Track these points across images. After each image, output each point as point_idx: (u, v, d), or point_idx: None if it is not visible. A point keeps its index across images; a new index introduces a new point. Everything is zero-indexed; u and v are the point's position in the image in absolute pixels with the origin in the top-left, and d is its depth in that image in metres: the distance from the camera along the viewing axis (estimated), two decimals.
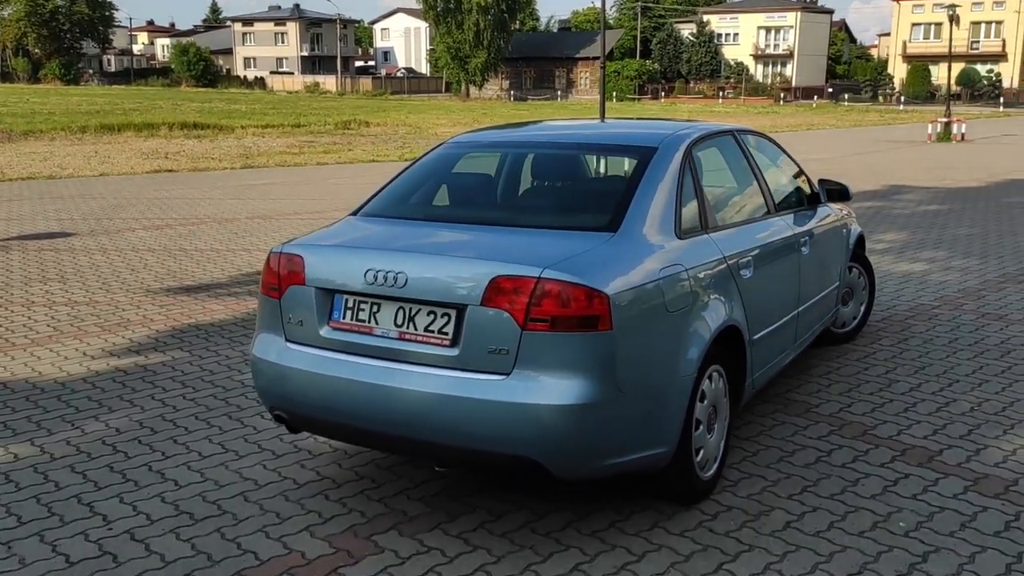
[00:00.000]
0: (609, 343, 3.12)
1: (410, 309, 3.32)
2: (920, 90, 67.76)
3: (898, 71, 73.67)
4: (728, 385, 3.87)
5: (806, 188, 5.22)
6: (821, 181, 5.38)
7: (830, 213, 5.41)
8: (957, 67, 69.34)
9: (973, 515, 3.63)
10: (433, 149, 4.51)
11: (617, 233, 3.46)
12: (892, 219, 12.05)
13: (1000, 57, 70.85)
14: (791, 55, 75.61)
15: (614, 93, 68.75)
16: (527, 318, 3.10)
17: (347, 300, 3.46)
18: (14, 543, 3.47)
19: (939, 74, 69.46)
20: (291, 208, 13.28)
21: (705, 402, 3.65)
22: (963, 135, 29.02)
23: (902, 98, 64.19)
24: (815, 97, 67.90)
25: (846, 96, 67.70)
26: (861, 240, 6.01)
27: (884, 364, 5.61)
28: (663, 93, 72.42)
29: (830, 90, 70.67)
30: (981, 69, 70.60)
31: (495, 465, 3.30)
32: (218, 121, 34.20)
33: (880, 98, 69.68)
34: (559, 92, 75.38)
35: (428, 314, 3.29)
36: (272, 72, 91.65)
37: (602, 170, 4.60)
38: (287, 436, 4.50)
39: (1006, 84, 69.59)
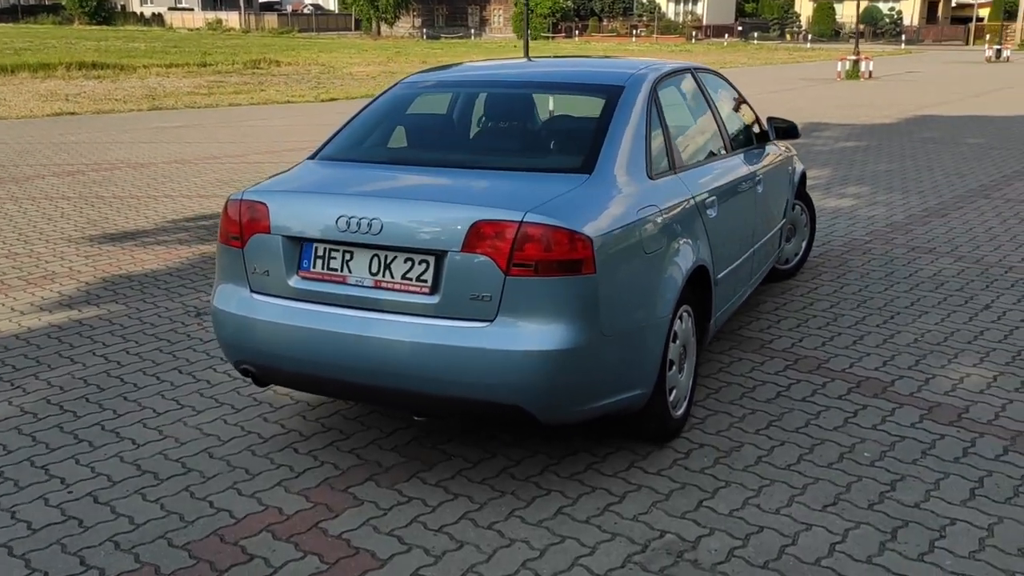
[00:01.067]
0: (592, 287, 3.09)
1: (385, 256, 3.22)
2: (826, 28, 69.02)
3: (804, 9, 74.79)
4: (695, 325, 3.90)
5: (755, 127, 5.24)
6: (769, 119, 5.41)
7: (778, 151, 5.46)
8: (861, 5, 70.82)
9: (931, 443, 3.77)
10: (388, 90, 4.35)
11: (592, 175, 3.41)
12: (814, 156, 12.29)
13: None
14: None
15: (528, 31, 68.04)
16: (510, 263, 3.04)
17: (317, 248, 3.33)
18: None
19: (844, 12, 70.87)
20: (209, 152, 12.80)
21: (677, 342, 3.67)
22: (870, 73, 29.72)
23: (809, 36, 65.23)
24: (726, 35, 68.49)
25: (755, 34, 68.48)
26: (803, 177, 6.10)
27: (828, 299, 5.74)
28: (576, 32, 72.00)
29: (740, 28, 71.35)
30: (883, 7, 72.22)
31: (478, 412, 3.26)
32: (118, 61, 32.60)
33: (787, 36, 70.72)
34: (472, 30, 74.21)
35: (405, 261, 3.19)
36: (171, 8, 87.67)
37: (561, 110, 4.51)
38: (245, 389, 4.37)
39: (907, 22, 71.46)
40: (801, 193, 6.09)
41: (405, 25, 75.85)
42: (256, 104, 20.60)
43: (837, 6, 71.43)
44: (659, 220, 3.51)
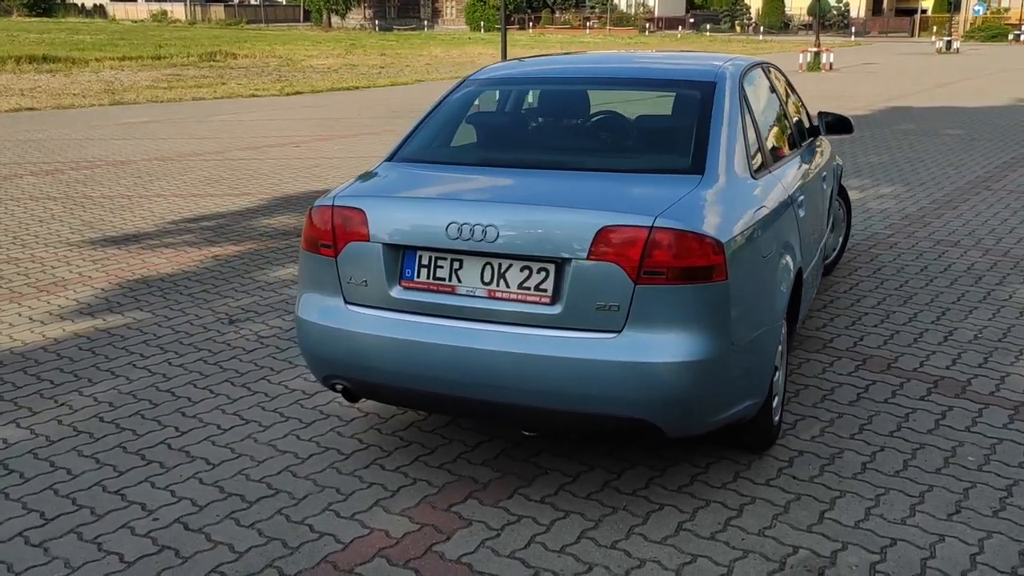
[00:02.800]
0: (724, 294, 2.96)
1: (499, 265, 3.05)
2: (775, 20, 69.78)
3: (754, 1, 75.54)
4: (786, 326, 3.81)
5: (805, 121, 5.16)
6: (820, 114, 5.33)
7: (826, 145, 5.40)
8: None
9: None
10: (458, 87, 4.15)
11: (704, 175, 3.28)
12: None
13: None
14: None
15: (481, 23, 67.74)
16: (640, 271, 2.89)
17: (421, 257, 3.15)
18: (49, 543, 3.07)
19: (793, 4, 71.80)
20: (188, 148, 12.41)
21: (781, 347, 3.57)
22: (831, 64, 30.06)
23: (761, 28, 65.91)
24: (679, 27, 68.90)
25: (708, 26, 69.01)
26: (841, 171, 6.05)
27: (872, 295, 5.70)
28: (530, 23, 71.85)
29: (692, 20, 71.85)
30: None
31: (599, 427, 3.12)
32: (68, 53, 31.69)
33: (737, 28, 71.37)
34: (425, 22, 73.63)
35: (522, 270, 3.03)
36: None
37: (638, 107, 4.37)
38: (307, 401, 4.17)
39: (853, 14, 72.61)
40: (839, 187, 6.04)
41: (356, 17, 74.98)
42: (220, 98, 20.10)
43: None
44: (770, 221, 3.40)
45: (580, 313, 2.96)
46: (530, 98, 4.16)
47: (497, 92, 4.15)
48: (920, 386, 4.31)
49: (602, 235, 2.92)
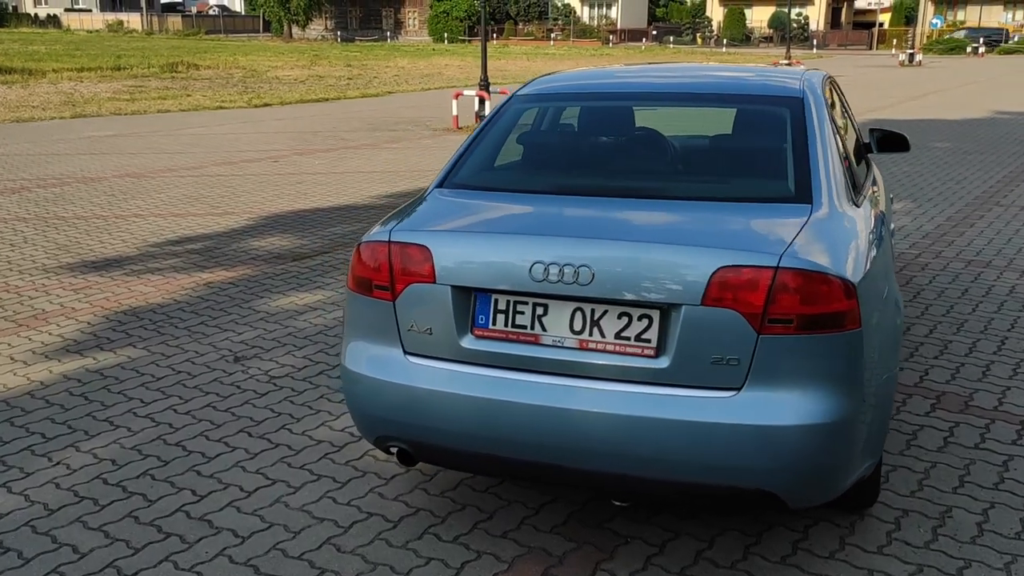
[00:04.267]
0: (858, 343, 2.57)
1: (592, 311, 2.64)
2: (738, 33, 70.25)
3: (715, 14, 76.05)
4: None
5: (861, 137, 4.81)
6: (872, 130, 4.99)
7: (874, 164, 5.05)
8: (769, 10, 72.66)
9: None
10: (506, 104, 3.71)
11: (813, 204, 2.89)
12: None
13: (807, 1, 74.44)
14: None
15: (444, 34, 67.33)
16: (764, 319, 2.49)
17: (497, 301, 2.72)
18: None
19: (754, 17, 72.44)
20: (160, 164, 11.81)
21: None
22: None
23: (724, 40, 66.28)
24: (643, 39, 69.06)
25: (671, 38, 69.25)
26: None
27: (922, 323, 5.36)
28: (494, 35, 71.57)
29: (654, 32, 72.08)
30: (792, 12, 73.98)
31: (708, 497, 2.70)
32: (24, 64, 30.70)
33: (699, 40, 71.73)
34: (387, 33, 73.04)
35: (620, 317, 2.61)
36: (67, 9, 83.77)
37: (703, 124, 3.98)
38: (338, 455, 3.71)
39: (813, 27, 73.35)
40: None
41: (317, 27, 74.16)
42: (187, 110, 19.42)
43: (747, 11, 72.86)
44: (882, 255, 3.02)
45: (691, 367, 2.55)
46: (591, 115, 3.73)
47: (555, 108, 3.73)
48: (1008, 428, 3.96)
49: (719, 277, 2.51)
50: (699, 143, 3.68)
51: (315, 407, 4.18)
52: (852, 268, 2.61)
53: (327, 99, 22.53)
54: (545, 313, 2.68)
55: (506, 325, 2.71)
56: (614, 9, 76.65)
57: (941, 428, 3.96)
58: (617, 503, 3.05)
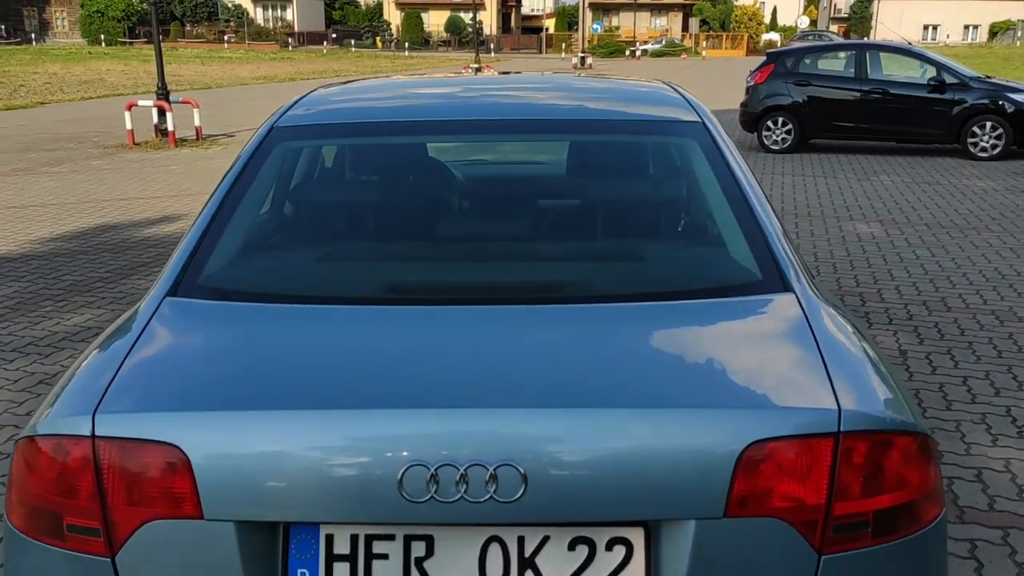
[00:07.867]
0: (941, 542, 1.57)
1: (521, 541, 1.41)
2: (417, 36, 70.64)
3: (393, 17, 76.05)
4: None
5: None
6: None
7: None
8: (445, 15, 74.01)
9: None
10: (265, 139, 2.29)
11: (798, 294, 1.86)
12: None
13: (480, 6, 76.71)
14: None
15: (101, 36, 61.20)
16: (827, 526, 1.42)
17: (333, 540, 1.41)
18: None
19: (431, 21, 73.41)
20: None
21: None
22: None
23: (406, 44, 66.24)
24: (324, 42, 67.16)
25: (352, 42, 68.04)
26: None
27: (950, 376, 4.35)
28: (160, 37, 66.24)
29: (334, 35, 70.50)
30: (466, 17, 75.77)
31: None
32: None
33: (379, 43, 71.25)
34: (32, 35, 65.04)
35: (571, 547, 1.41)
36: None
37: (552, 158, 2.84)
38: None
39: (486, 31, 75.66)
40: None
41: None
42: None
43: (424, 15, 73.62)
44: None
45: None
46: (404, 156, 2.42)
47: (347, 147, 2.40)
48: None
49: (748, 460, 1.40)
50: (576, 198, 2.54)
51: None
52: (911, 408, 1.61)
53: None
54: (430, 554, 1.41)
55: None
56: (289, 11, 74.22)
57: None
58: None
